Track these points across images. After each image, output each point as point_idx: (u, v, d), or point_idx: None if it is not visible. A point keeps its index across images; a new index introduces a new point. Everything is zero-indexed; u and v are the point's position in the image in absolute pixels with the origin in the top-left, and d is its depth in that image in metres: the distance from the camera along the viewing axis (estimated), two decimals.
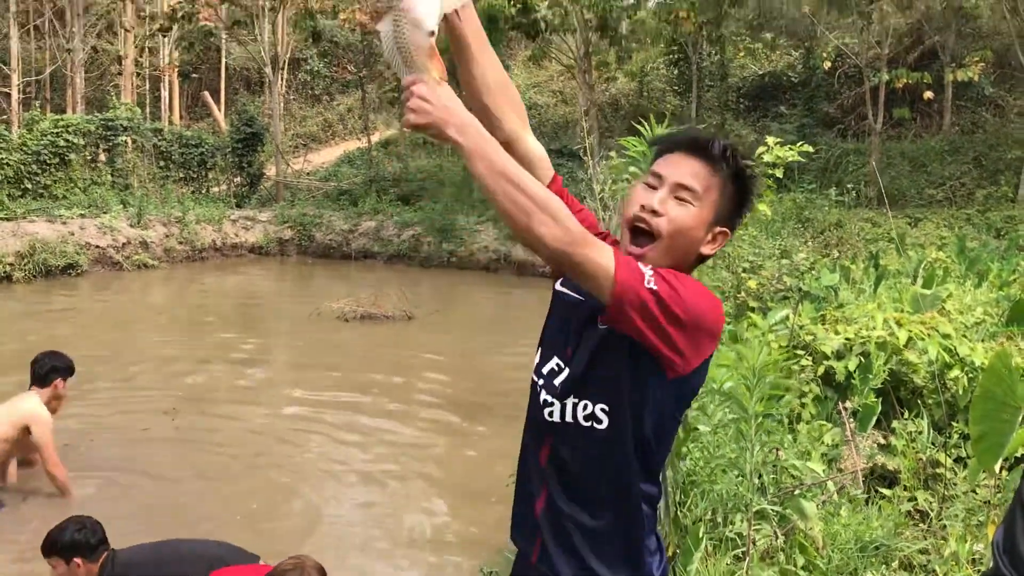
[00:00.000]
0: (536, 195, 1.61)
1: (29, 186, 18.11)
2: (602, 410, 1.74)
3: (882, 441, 4.39)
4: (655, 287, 1.62)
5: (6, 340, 11.02)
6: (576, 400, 1.77)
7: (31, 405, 5.87)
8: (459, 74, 1.88)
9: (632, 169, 3.43)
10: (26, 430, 5.83)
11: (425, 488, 6.41)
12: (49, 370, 5.97)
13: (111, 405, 8.12)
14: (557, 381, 1.81)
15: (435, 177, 22.85)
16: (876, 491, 4.12)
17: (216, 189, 22.91)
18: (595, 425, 1.75)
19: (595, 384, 1.76)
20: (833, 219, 15.14)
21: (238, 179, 23.02)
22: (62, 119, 19.48)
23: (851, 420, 4.25)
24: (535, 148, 1.94)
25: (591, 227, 1.84)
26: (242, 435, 7.42)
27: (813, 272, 8.29)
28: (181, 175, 21.86)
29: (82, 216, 17.34)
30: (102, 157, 20.05)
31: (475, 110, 1.81)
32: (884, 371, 4.68)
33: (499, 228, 19.32)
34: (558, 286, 1.94)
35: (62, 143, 18.61)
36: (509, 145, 1.84)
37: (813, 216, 15.20)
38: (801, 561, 3.14)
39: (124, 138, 20.20)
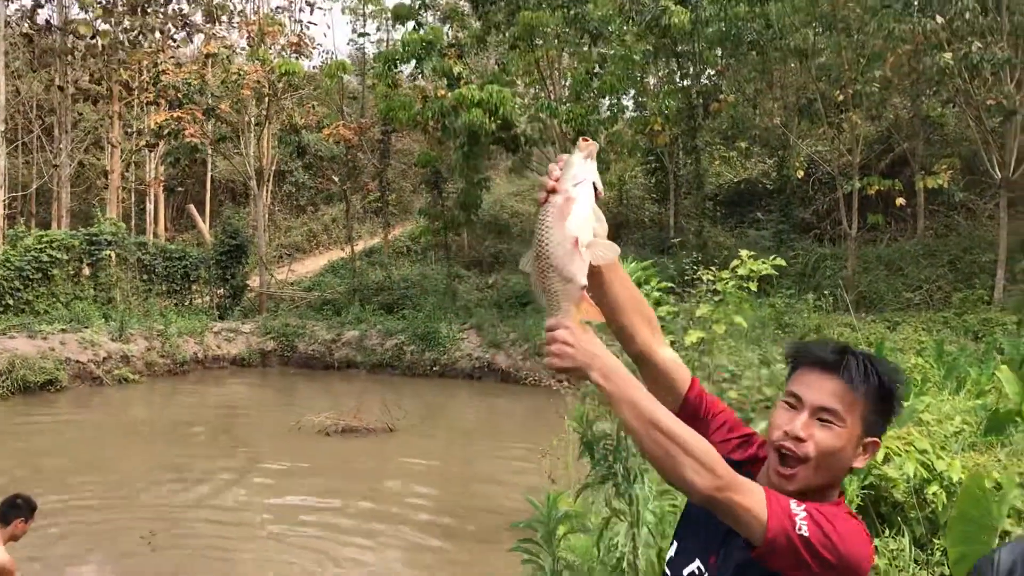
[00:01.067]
0: (684, 440, 1.60)
1: (11, 302, 18.10)
2: None
3: None
4: (807, 534, 1.58)
5: None
6: None
7: None
8: (593, 296, 1.80)
9: None
10: None
11: None
12: (12, 507, 6.08)
13: (88, 526, 7.95)
14: None
15: (418, 285, 23.03)
16: None
17: (199, 301, 22.95)
18: None
19: None
20: (812, 324, 15.27)
21: (221, 291, 23.09)
22: (46, 235, 19.62)
23: None
24: (670, 357, 1.89)
25: (734, 425, 1.85)
26: (219, 554, 7.25)
27: None
28: (164, 288, 21.93)
29: (63, 331, 17.27)
30: (85, 271, 20.12)
31: (611, 328, 1.84)
32: (857, 495, 4.66)
33: (482, 335, 19.38)
34: None
35: (45, 258, 18.70)
36: (644, 357, 1.85)
37: (792, 322, 15.33)
38: None
39: (108, 252, 20.32)
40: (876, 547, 4.65)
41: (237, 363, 20.10)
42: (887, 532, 4.76)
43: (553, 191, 1.60)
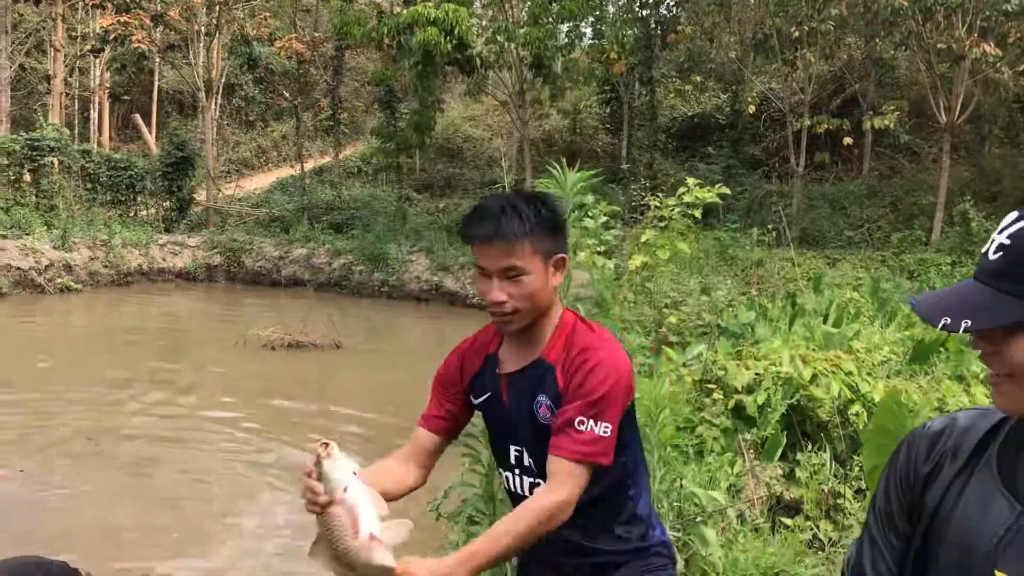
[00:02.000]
0: (535, 524, 1.85)
1: None
2: None
3: (784, 472, 4.60)
4: (600, 435, 1.89)
5: None
6: None
7: None
8: None
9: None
10: None
11: None
12: None
13: (28, 426, 7.97)
14: None
15: (368, 206, 22.90)
16: (780, 521, 4.32)
17: (144, 213, 22.58)
18: None
19: None
20: (755, 258, 15.60)
21: (167, 203, 22.72)
22: None
23: (752, 451, 4.45)
24: (409, 466, 2.18)
25: (439, 399, 2.22)
26: (160, 462, 7.34)
27: (732, 309, 8.57)
28: (109, 198, 21.50)
29: (3, 237, 16.93)
30: (27, 177, 19.63)
31: None
32: (782, 404, 4.90)
33: (431, 258, 19.44)
34: None
35: None
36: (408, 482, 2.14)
37: (736, 255, 15.64)
38: None
39: (50, 159, 19.82)
40: (799, 461, 4.92)
41: (183, 276, 19.93)
42: (810, 447, 5.03)
43: (328, 504, 1.69)
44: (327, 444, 1.73)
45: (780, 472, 4.52)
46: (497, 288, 1.92)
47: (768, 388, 5.16)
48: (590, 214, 4.33)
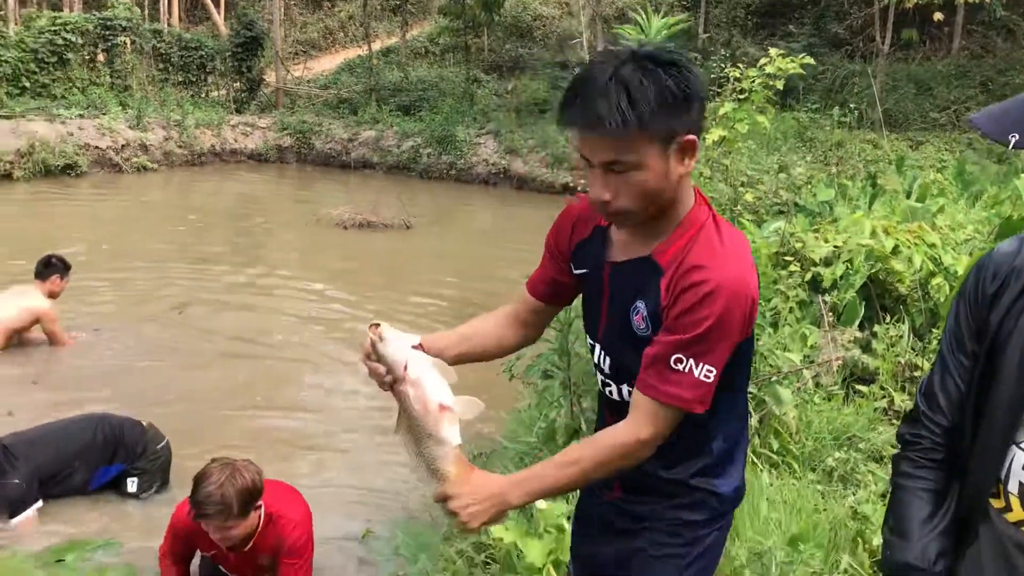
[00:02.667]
0: (607, 466, 1.68)
1: (27, 84, 17.92)
2: None
3: (859, 336, 4.53)
4: (700, 379, 1.61)
5: (8, 235, 11.12)
6: None
7: (34, 300, 6.60)
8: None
9: None
10: (32, 321, 6.40)
11: None
12: (48, 267, 6.55)
13: (115, 300, 8.26)
14: None
15: (436, 88, 22.63)
16: (854, 388, 4.28)
17: (215, 94, 22.69)
18: None
19: None
20: (835, 139, 15.10)
21: (237, 84, 22.78)
22: (60, 17, 19.17)
23: (831, 314, 4.39)
24: (507, 321, 2.04)
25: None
26: (244, 331, 7.56)
27: (810, 187, 8.35)
28: (180, 78, 21.62)
29: (81, 116, 17.23)
30: (100, 58, 19.80)
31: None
32: (865, 269, 4.80)
33: (499, 141, 19.26)
34: None
35: (60, 42, 18.36)
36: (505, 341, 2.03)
37: (815, 136, 15.15)
38: (775, 445, 3.30)
39: (123, 39, 19.92)
40: (876, 333, 4.84)
41: (254, 157, 20.14)
42: (888, 320, 4.94)
43: (395, 382, 1.68)
44: (377, 325, 1.71)
45: (857, 336, 4.45)
46: (601, 183, 1.60)
47: (847, 260, 5.04)
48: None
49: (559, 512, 2.61)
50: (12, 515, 4.04)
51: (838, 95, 18.75)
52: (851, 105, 16.37)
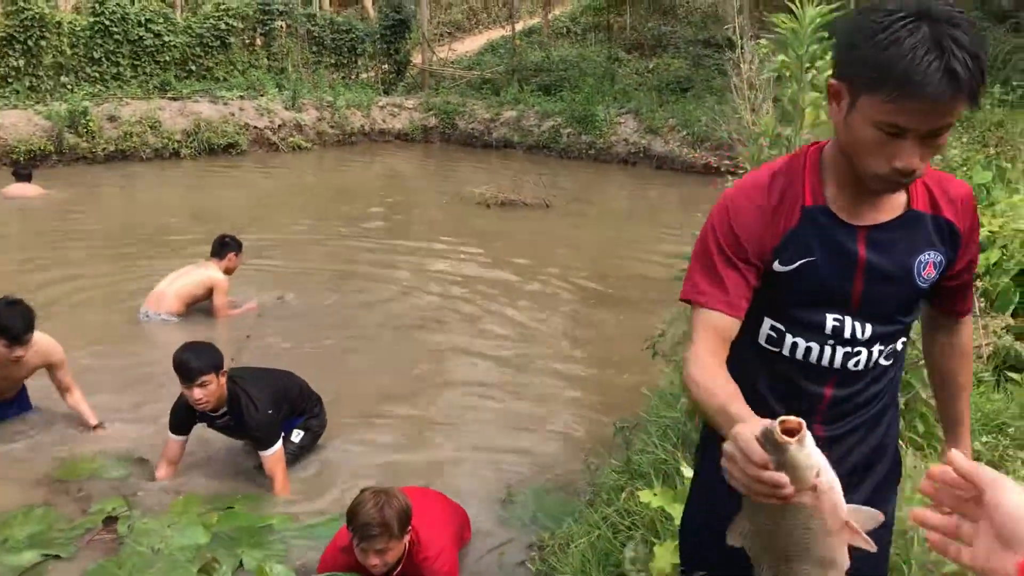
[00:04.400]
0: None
1: (193, 68, 19.05)
2: None
3: (1012, 324, 4.43)
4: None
5: (181, 209, 11.99)
6: None
7: (213, 273, 7.19)
8: None
9: (781, 58, 3.48)
10: (209, 291, 6.99)
11: (560, 362, 6.79)
12: (223, 245, 7.16)
13: (282, 274, 8.82)
14: None
15: (577, 67, 22.69)
16: (1005, 377, 4.21)
17: (364, 75, 23.47)
18: None
19: None
20: (995, 119, 14.34)
21: (385, 66, 23.48)
22: (223, 3, 20.25)
23: (983, 300, 4.32)
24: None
25: None
26: (386, 307, 7.95)
27: (965, 169, 8.06)
28: (332, 60, 22.46)
29: (241, 98, 18.21)
30: (259, 41, 20.82)
31: None
32: (1021, 255, 4.67)
33: (639, 120, 19.20)
34: None
35: (223, 26, 19.41)
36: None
37: (972, 115, 14.43)
38: (921, 428, 3.33)
39: (279, 23, 20.87)
40: None
41: (401, 137, 20.79)
42: None
43: (792, 495, 1.28)
44: (795, 425, 1.28)
45: (1010, 324, 4.37)
46: (916, 152, 1.51)
47: (1002, 246, 4.92)
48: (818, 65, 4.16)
49: None
50: (268, 446, 4.41)
51: (1000, 71, 17.76)
52: (1014, 83, 15.49)
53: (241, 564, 3.75)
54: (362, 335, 7.11)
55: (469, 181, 14.70)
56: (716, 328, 1.69)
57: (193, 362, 4.22)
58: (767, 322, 1.79)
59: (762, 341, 1.81)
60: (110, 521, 4.07)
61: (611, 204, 14.87)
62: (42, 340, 4.97)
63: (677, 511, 2.71)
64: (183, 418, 4.47)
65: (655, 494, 2.80)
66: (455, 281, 8.89)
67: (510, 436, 5.32)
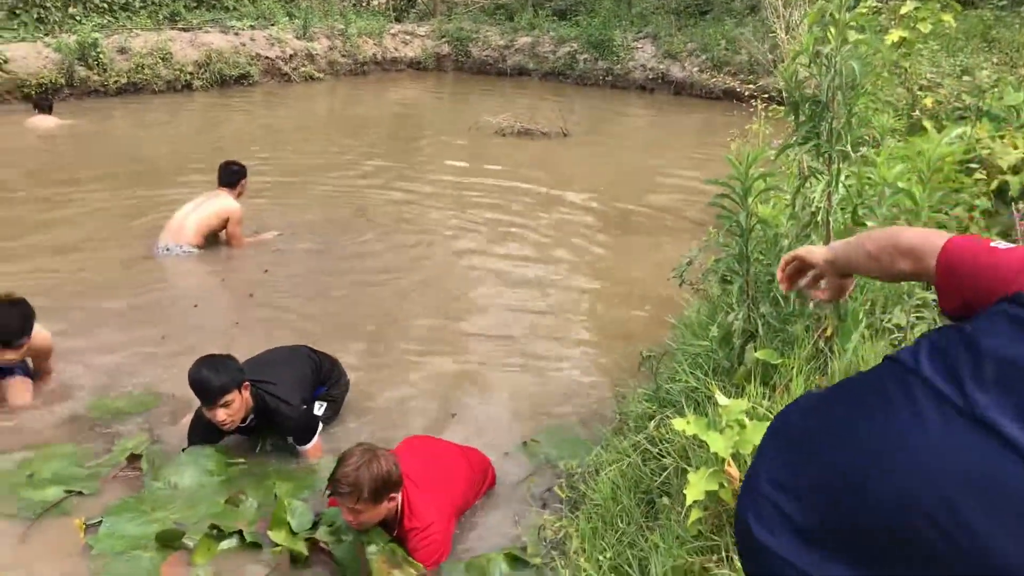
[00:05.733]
0: None
1: None
2: None
3: None
4: None
5: (194, 141, 11.89)
6: None
7: (227, 202, 7.15)
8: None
9: None
10: (225, 221, 6.93)
11: (583, 290, 6.75)
12: (232, 173, 7.08)
13: (296, 205, 8.77)
14: None
15: None
16: None
17: (376, 2, 23.04)
18: None
19: None
20: (1023, 39, 13.96)
21: None
22: None
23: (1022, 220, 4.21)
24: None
25: None
26: (404, 239, 7.90)
27: (996, 91, 7.85)
28: None
29: (252, 27, 17.91)
30: None
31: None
32: None
33: (657, 45, 18.83)
34: None
35: None
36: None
37: (1001, 36, 14.05)
38: None
39: None
40: None
41: (413, 66, 20.48)
42: None
43: None
44: None
45: None
46: None
47: None
48: None
49: (740, 408, 2.73)
50: (307, 441, 4.16)
51: None
52: None
53: (275, 496, 3.75)
54: (381, 269, 7.07)
55: (484, 110, 14.50)
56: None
57: (214, 381, 3.80)
58: None
59: None
60: (134, 458, 4.07)
61: (630, 131, 14.67)
62: (37, 337, 4.53)
63: (712, 439, 2.68)
64: (204, 435, 4.11)
65: (688, 422, 2.77)
66: (474, 212, 8.81)
67: (532, 370, 5.29)
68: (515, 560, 3.46)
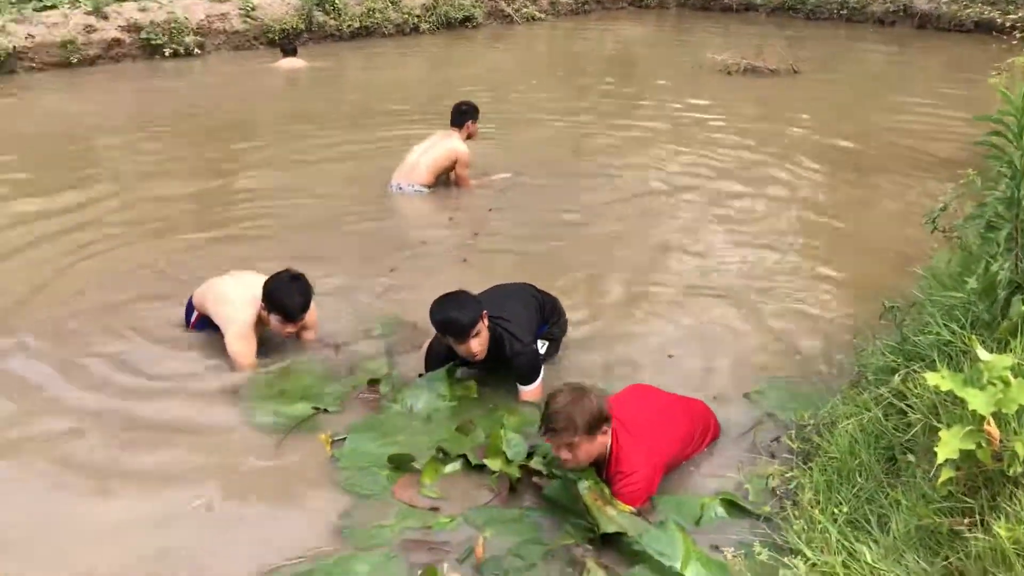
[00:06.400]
0: None
1: None
2: None
3: None
4: None
5: (424, 83, 12.31)
6: None
7: (456, 144, 7.35)
8: None
9: None
10: (454, 162, 7.14)
11: (816, 237, 6.45)
12: (462, 114, 7.23)
13: (524, 147, 8.89)
14: None
15: None
16: None
17: None
18: None
19: None
20: None
21: None
22: None
23: None
24: None
25: None
26: (624, 182, 7.79)
27: None
28: None
29: None
30: None
31: None
32: None
33: None
34: None
35: None
36: None
37: None
38: None
39: None
40: None
41: (634, 3, 20.11)
42: None
43: None
44: None
45: None
46: None
47: None
48: None
49: (1004, 365, 2.51)
50: (531, 381, 4.18)
51: None
52: None
53: (503, 425, 3.87)
54: (602, 212, 7.03)
55: (709, 47, 14.04)
56: None
57: (463, 317, 3.93)
58: None
59: None
60: (373, 382, 4.32)
61: (868, 68, 13.73)
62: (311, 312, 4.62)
63: (971, 396, 2.50)
64: (440, 363, 4.27)
65: (943, 376, 2.58)
66: (697, 154, 8.59)
67: (755, 321, 5.10)
68: (733, 506, 3.39)
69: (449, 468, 3.71)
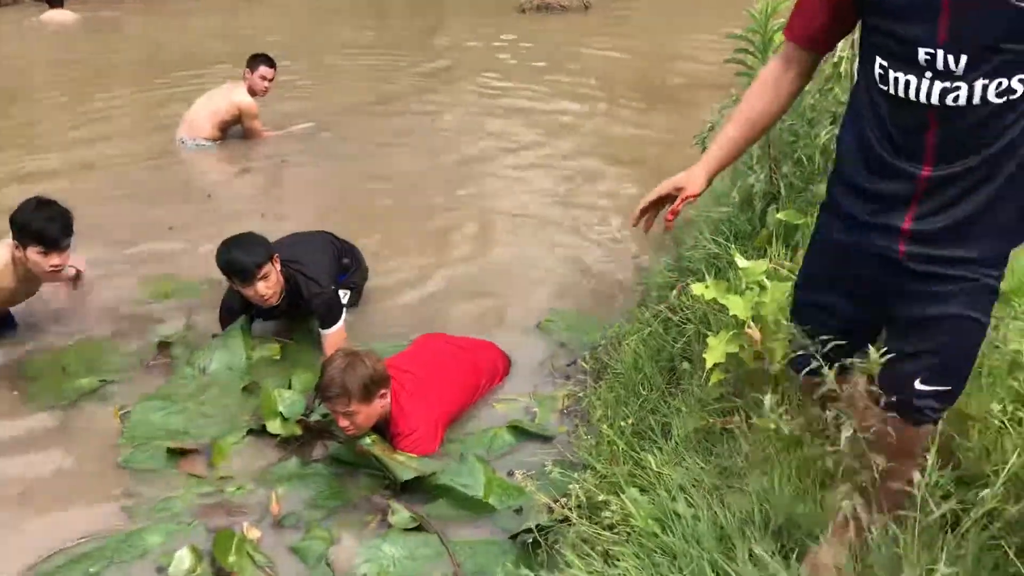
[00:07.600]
0: None
1: None
2: None
3: None
4: None
5: (209, 32, 11.64)
6: None
7: (237, 96, 7.00)
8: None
9: None
10: (238, 115, 6.83)
11: (603, 167, 6.60)
12: (247, 64, 6.89)
13: (319, 95, 8.62)
14: None
15: None
16: None
17: None
18: None
19: None
20: None
21: None
22: None
23: None
24: (783, 84, 2.01)
25: None
26: (422, 124, 7.77)
27: None
28: None
29: None
30: None
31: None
32: None
33: None
34: None
35: None
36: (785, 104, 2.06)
37: None
38: None
39: None
40: None
41: None
42: None
43: None
44: None
45: None
46: None
47: None
48: None
49: (760, 270, 2.66)
50: (333, 322, 4.03)
51: None
52: None
53: (290, 384, 3.76)
54: (400, 155, 6.94)
55: None
56: (786, 54, 1.97)
57: (245, 258, 3.77)
58: (877, 60, 1.77)
59: (877, 80, 1.78)
60: (164, 345, 4.10)
61: (657, 2, 14.04)
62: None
63: (731, 303, 2.63)
64: (235, 317, 4.09)
65: (707, 287, 2.71)
66: (492, 96, 8.61)
67: (550, 250, 5.18)
68: (521, 432, 3.46)
69: (233, 439, 3.50)
